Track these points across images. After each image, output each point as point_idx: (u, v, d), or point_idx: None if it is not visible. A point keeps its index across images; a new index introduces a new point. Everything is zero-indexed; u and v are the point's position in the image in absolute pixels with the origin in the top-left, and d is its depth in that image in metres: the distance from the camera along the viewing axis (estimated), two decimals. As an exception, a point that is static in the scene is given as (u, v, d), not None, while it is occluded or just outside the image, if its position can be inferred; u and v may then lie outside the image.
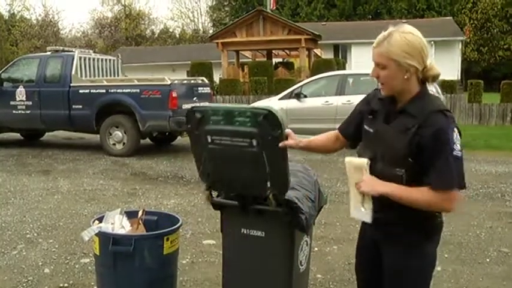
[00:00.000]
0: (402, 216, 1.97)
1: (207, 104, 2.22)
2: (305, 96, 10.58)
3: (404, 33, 1.91)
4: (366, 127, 2.11)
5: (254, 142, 2.32)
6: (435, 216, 2.00)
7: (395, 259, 2.05)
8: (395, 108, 2.00)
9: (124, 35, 45.22)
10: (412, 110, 1.92)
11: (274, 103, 11.12)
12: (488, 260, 4.28)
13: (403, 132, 1.90)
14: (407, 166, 1.90)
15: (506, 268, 4.11)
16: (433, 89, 8.44)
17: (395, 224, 2.01)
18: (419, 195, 1.88)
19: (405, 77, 1.91)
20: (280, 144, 2.25)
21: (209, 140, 2.43)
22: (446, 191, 1.86)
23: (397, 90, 1.96)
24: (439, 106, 1.92)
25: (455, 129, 1.86)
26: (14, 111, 10.13)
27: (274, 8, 28.08)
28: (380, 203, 1.96)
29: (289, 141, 2.29)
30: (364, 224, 2.18)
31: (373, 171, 1.99)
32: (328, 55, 26.00)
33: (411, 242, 2.00)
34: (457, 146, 1.84)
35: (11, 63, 11.01)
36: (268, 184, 2.38)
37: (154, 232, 2.99)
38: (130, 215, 3.11)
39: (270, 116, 2.26)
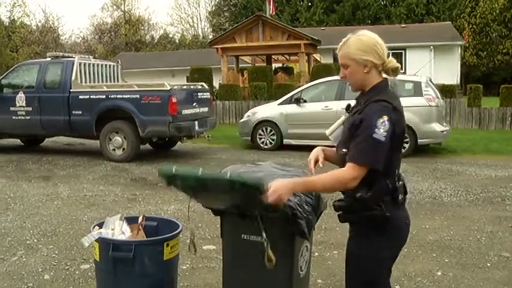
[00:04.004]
0: (352, 204, 2.14)
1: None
2: (305, 101, 10.61)
3: (359, 36, 2.20)
4: None
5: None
6: (373, 208, 2.11)
7: (349, 245, 2.27)
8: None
9: (124, 40, 45.31)
10: (361, 100, 2.21)
11: (273, 108, 11.16)
12: (489, 264, 4.27)
13: (351, 117, 2.22)
14: (349, 147, 2.15)
15: (507, 273, 4.10)
16: (431, 92, 8.51)
17: (349, 212, 2.19)
18: (328, 174, 2.10)
19: (365, 71, 2.17)
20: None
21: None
22: (354, 164, 2.05)
23: (360, 84, 2.22)
24: (381, 96, 2.13)
25: (385, 116, 2.05)
26: (14, 117, 10.13)
27: (274, 13, 28.12)
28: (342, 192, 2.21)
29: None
30: None
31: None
32: (328, 60, 26.02)
33: (360, 231, 2.21)
34: (379, 131, 2.03)
35: (11, 69, 11.02)
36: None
37: (154, 238, 2.99)
38: (131, 220, 3.11)
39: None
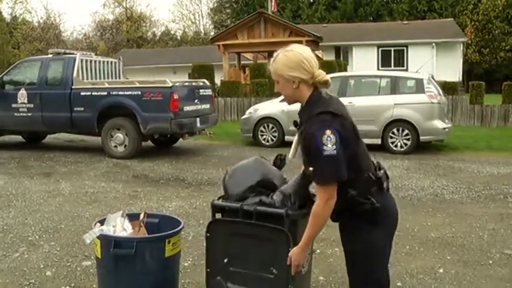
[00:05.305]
0: (345, 205, 2.20)
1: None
2: (306, 98, 10.58)
3: (286, 52, 2.25)
4: None
5: None
6: (363, 203, 2.19)
7: (344, 244, 2.34)
8: None
9: (125, 37, 45.31)
10: (301, 117, 2.28)
11: (275, 105, 11.14)
12: (491, 262, 4.27)
13: (300, 139, 2.27)
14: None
15: (509, 270, 4.09)
16: (433, 89, 8.48)
17: (341, 213, 2.24)
18: (310, 217, 2.19)
19: (293, 86, 2.25)
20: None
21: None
22: (322, 187, 2.14)
23: (293, 98, 2.31)
24: (318, 108, 2.18)
25: (327, 131, 2.09)
26: (15, 114, 10.13)
27: (276, 10, 28.06)
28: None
29: None
30: None
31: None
32: (330, 57, 25.97)
33: (354, 228, 2.26)
34: (328, 147, 2.08)
35: (13, 65, 11.03)
36: None
37: (155, 235, 2.98)
38: (132, 217, 3.10)
39: None
